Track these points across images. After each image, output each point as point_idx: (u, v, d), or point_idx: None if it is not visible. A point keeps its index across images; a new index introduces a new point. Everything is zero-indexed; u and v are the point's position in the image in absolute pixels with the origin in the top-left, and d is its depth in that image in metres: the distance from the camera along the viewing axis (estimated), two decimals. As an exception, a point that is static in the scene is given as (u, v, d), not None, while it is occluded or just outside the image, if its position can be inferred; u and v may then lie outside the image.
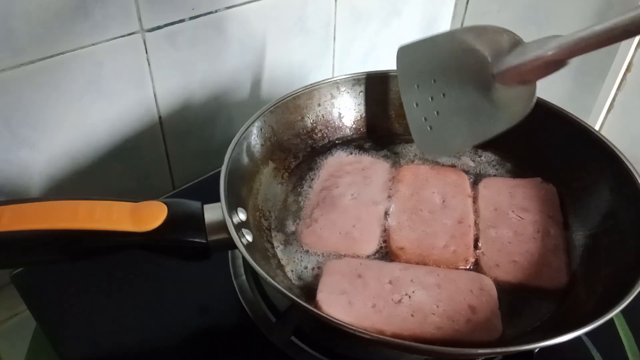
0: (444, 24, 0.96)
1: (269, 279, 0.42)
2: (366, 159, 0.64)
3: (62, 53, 0.53)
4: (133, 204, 0.45)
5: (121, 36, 0.57)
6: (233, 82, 0.70)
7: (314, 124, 0.65)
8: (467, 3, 0.91)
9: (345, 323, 0.40)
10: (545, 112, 0.61)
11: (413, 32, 0.91)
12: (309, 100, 0.64)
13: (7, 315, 0.65)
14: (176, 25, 0.60)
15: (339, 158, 0.64)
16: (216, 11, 0.63)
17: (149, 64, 0.60)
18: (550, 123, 0.61)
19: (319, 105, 0.65)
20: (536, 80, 0.50)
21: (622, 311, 0.41)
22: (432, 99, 0.58)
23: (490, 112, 0.54)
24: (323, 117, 0.66)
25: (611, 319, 0.42)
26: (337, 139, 0.67)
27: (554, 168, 0.60)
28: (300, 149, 0.64)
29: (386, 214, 0.56)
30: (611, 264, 0.50)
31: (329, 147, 0.66)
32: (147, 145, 0.66)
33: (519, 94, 0.51)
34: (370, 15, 0.82)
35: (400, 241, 0.53)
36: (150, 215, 0.44)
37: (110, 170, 0.64)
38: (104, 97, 0.59)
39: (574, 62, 0.83)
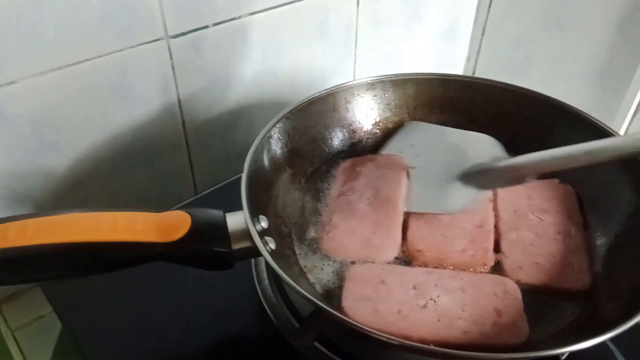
0: (465, 28, 0.95)
1: (298, 288, 0.42)
2: (379, 157, 0.64)
3: (88, 59, 0.54)
4: (156, 215, 0.45)
5: (146, 42, 0.57)
6: (255, 87, 0.71)
7: (329, 130, 0.65)
8: (490, 7, 0.91)
9: (374, 330, 0.40)
10: (560, 113, 0.61)
11: (435, 36, 0.91)
12: (324, 106, 0.64)
13: (33, 317, 0.66)
14: (200, 31, 0.61)
15: (354, 162, 0.64)
16: (239, 17, 0.63)
17: (173, 70, 0.61)
18: (566, 123, 0.61)
19: (334, 110, 0.65)
20: (490, 189, 0.55)
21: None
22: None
23: (437, 194, 0.58)
24: (338, 122, 0.65)
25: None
26: (352, 144, 0.66)
27: (572, 168, 0.60)
28: (316, 155, 0.64)
29: (405, 217, 0.56)
30: (635, 264, 0.49)
31: (345, 152, 0.66)
32: (171, 150, 0.67)
33: (467, 193, 0.56)
34: (392, 20, 0.82)
35: (418, 243, 0.53)
36: (174, 226, 0.44)
37: (135, 174, 0.65)
38: (129, 103, 0.60)
39: (598, 65, 0.83)
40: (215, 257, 0.46)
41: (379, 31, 0.82)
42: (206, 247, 0.45)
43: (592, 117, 0.59)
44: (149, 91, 0.60)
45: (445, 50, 0.95)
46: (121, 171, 0.63)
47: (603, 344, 0.40)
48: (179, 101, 0.64)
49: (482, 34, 0.94)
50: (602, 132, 0.58)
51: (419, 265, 0.52)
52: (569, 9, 0.82)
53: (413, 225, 0.55)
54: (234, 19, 0.63)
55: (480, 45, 0.95)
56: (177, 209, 0.66)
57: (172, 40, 0.59)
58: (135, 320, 0.54)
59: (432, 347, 0.40)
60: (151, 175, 0.67)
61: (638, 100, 0.78)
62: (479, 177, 0.56)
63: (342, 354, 0.49)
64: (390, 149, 0.65)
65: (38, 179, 0.57)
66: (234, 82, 0.68)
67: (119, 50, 0.56)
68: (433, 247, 0.53)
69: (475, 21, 0.94)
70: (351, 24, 0.77)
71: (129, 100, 0.59)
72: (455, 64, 0.99)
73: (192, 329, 0.53)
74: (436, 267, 0.51)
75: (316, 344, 0.50)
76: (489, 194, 0.55)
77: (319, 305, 0.41)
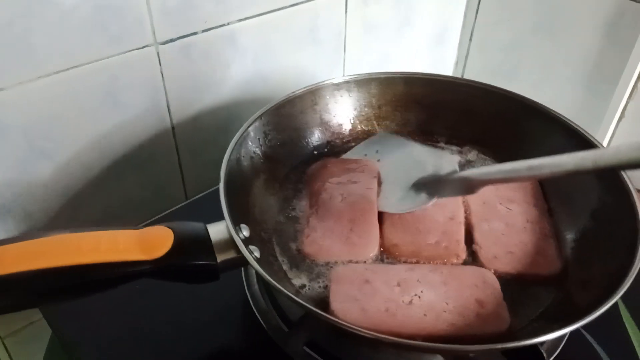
0: (454, 34, 0.96)
1: (291, 295, 0.42)
2: (351, 161, 0.65)
3: (78, 66, 0.54)
4: (138, 231, 0.44)
5: (136, 49, 0.58)
6: (244, 93, 0.71)
7: (298, 132, 0.65)
8: (477, 13, 0.92)
9: (368, 330, 0.40)
10: (523, 108, 0.63)
11: (424, 42, 0.92)
12: (292, 109, 0.64)
13: (23, 324, 0.66)
14: (189, 37, 0.61)
15: (325, 163, 0.64)
16: (228, 24, 0.64)
17: (162, 76, 0.61)
18: (529, 118, 0.62)
19: (302, 113, 0.65)
20: (438, 197, 0.56)
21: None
22: None
23: (390, 194, 0.60)
24: (306, 124, 0.66)
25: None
26: (321, 145, 0.67)
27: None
28: (287, 158, 0.64)
29: (379, 212, 0.57)
30: (602, 246, 0.51)
31: (316, 154, 0.66)
32: (161, 156, 0.67)
33: (417, 198, 0.57)
34: (381, 26, 0.83)
35: (394, 238, 0.54)
36: (157, 242, 0.43)
37: (125, 180, 0.65)
38: (119, 109, 0.60)
39: (586, 69, 0.84)
40: (201, 271, 0.45)
41: (368, 37, 0.82)
42: (192, 261, 0.44)
43: (555, 112, 0.61)
44: (138, 97, 0.61)
45: (434, 55, 0.96)
46: (112, 177, 0.63)
47: (577, 331, 0.40)
48: (169, 107, 0.64)
49: (470, 40, 0.95)
50: (564, 125, 0.59)
51: (396, 260, 0.53)
52: (557, 15, 0.83)
53: (387, 220, 0.56)
54: (223, 25, 0.63)
55: (468, 50, 0.96)
56: (167, 214, 0.67)
57: (161, 46, 0.59)
58: (125, 327, 0.54)
59: (429, 344, 0.41)
60: (142, 180, 0.67)
61: (624, 104, 0.79)
62: (430, 185, 0.58)
63: (331, 358, 0.49)
64: (357, 151, 0.67)
65: (29, 186, 0.57)
66: (223, 88, 0.68)
67: (109, 57, 0.56)
68: (408, 241, 0.54)
69: (463, 26, 0.95)
70: (340, 30, 0.78)
71: (118, 106, 0.60)
72: (444, 69, 1.00)
73: (183, 335, 0.53)
74: (412, 261, 0.53)
75: (305, 348, 0.50)
76: (435, 200, 0.56)
77: (313, 310, 0.41)
